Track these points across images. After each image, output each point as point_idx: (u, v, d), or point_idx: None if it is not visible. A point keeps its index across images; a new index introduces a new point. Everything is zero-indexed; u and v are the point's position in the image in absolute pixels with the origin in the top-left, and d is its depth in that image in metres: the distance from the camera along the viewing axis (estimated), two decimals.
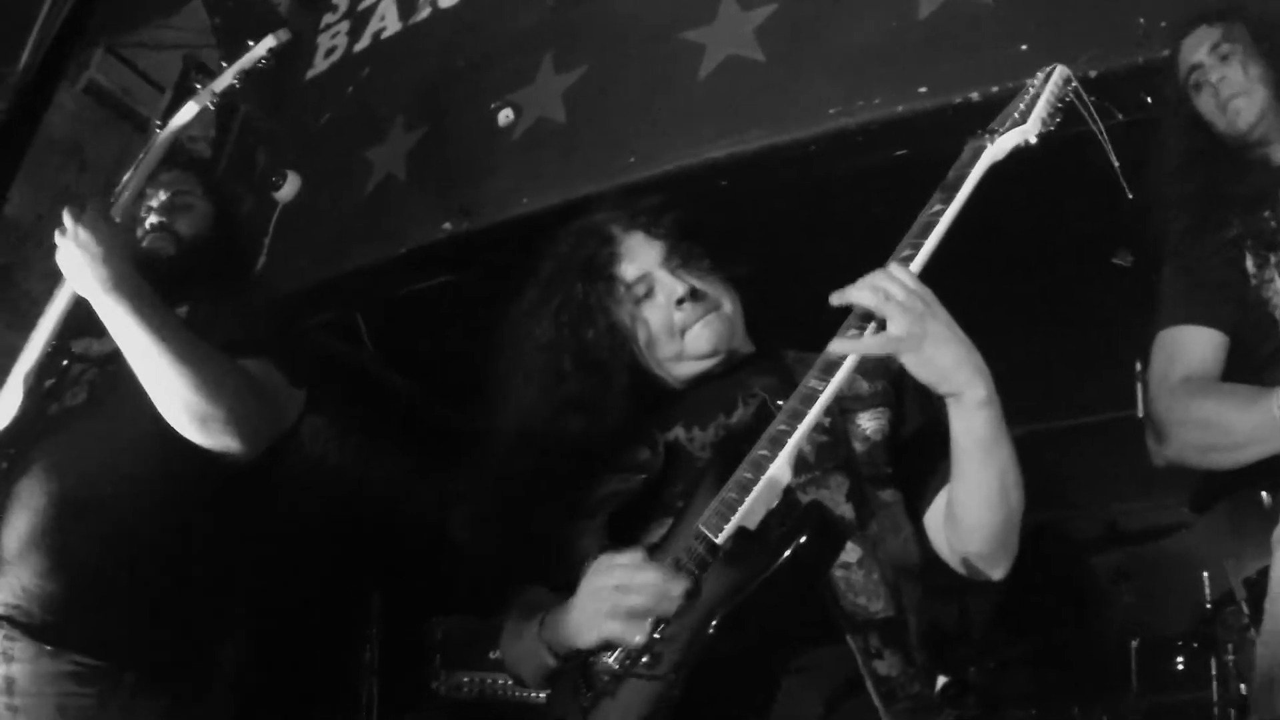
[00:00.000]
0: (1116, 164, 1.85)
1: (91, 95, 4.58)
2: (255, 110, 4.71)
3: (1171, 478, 2.59)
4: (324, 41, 4.72)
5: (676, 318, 1.96)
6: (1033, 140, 1.70)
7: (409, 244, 3.91)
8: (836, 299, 1.59)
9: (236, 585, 2.65)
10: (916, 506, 1.84)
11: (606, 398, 1.95)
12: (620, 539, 1.79)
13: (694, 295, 1.96)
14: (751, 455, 1.62)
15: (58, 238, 2.35)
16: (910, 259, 1.59)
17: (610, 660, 1.65)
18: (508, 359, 2.07)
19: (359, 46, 4.56)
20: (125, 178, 2.60)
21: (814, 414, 1.59)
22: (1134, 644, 4.36)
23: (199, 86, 2.73)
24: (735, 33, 3.40)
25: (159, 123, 2.70)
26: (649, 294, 1.99)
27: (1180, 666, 4.13)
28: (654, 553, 1.68)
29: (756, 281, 2.10)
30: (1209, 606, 4.12)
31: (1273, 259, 2.27)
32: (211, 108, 2.71)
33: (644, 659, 1.61)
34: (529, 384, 2.01)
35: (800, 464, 1.71)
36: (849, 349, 1.58)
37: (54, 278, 2.46)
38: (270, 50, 2.71)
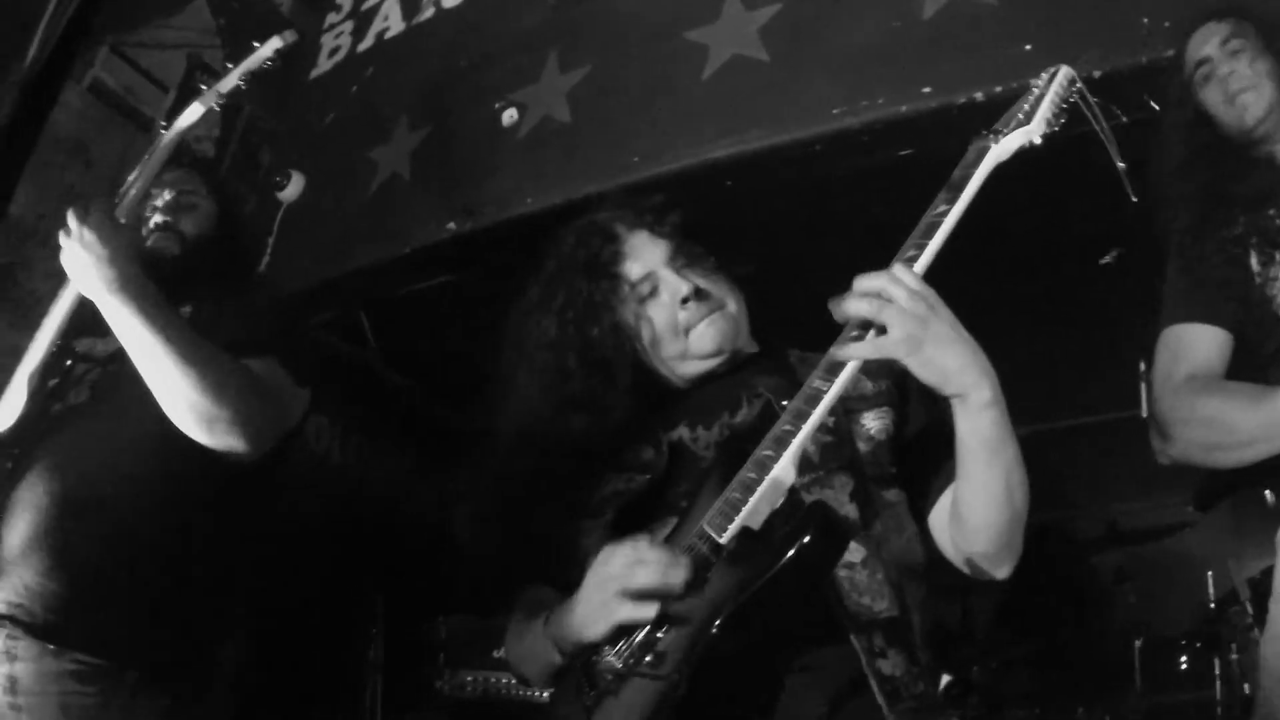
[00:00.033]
0: (1121, 165, 1.84)
1: (95, 94, 4.58)
2: (259, 110, 4.72)
3: (1174, 477, 2.59)
4: (328, 41, 4.72)
5: (681, 317, 1.96)
6: (1037, 141, 1.70)
7: (413, 243, 3.92)
8: (835, 312, 1.59)
9: (237, 585, 2.65)
10: (920, 506, 1.84)
11: (610, 397, 1.95)
12: (624, 538, 1.80)
13: (698, 294, 1.96)
14: (756, 455, 1.62)
15: (62, 239, 2.35)
16: (915, 259, 1.59)
17: (614, 659, 1.65)
18: (511, 357, 2.07)
19: (363, 46, 4.56)
20: (130, 178, 2.61)
21: (818, 414, 1.59)
22: (1137, 644, 4.36)
23: (204, 87, 2.74)
24: (739, 32, 3.40)
25: (164, 123, 2.71)
26: (653, 293, 1.99)
27: (1184, 666, 4.13)
28: None
29: (760, 281, 2.11)
30: (1212, 606, 4.12)
31: (1278, 256, 2.26)
32: (217, 109, 2.72)
33: (648, 658, 1.61)
34: (532, 382, 2.01)
35: (804, 464, 1.71)
36: (850, 354, 1.58)
37: (58, 277, 2.46)
38: (276, 51, 2.72)
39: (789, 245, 3.40)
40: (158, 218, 2.68)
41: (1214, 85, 2.41)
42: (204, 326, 2.43)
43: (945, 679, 1.81)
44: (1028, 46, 2.89)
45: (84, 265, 2.31)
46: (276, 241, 4.22)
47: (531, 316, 2.07)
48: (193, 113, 2.67)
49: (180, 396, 2.30)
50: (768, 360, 2.01)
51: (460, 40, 4.18)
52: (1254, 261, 2.27)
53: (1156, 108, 2.60)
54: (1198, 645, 4.06)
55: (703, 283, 1.98)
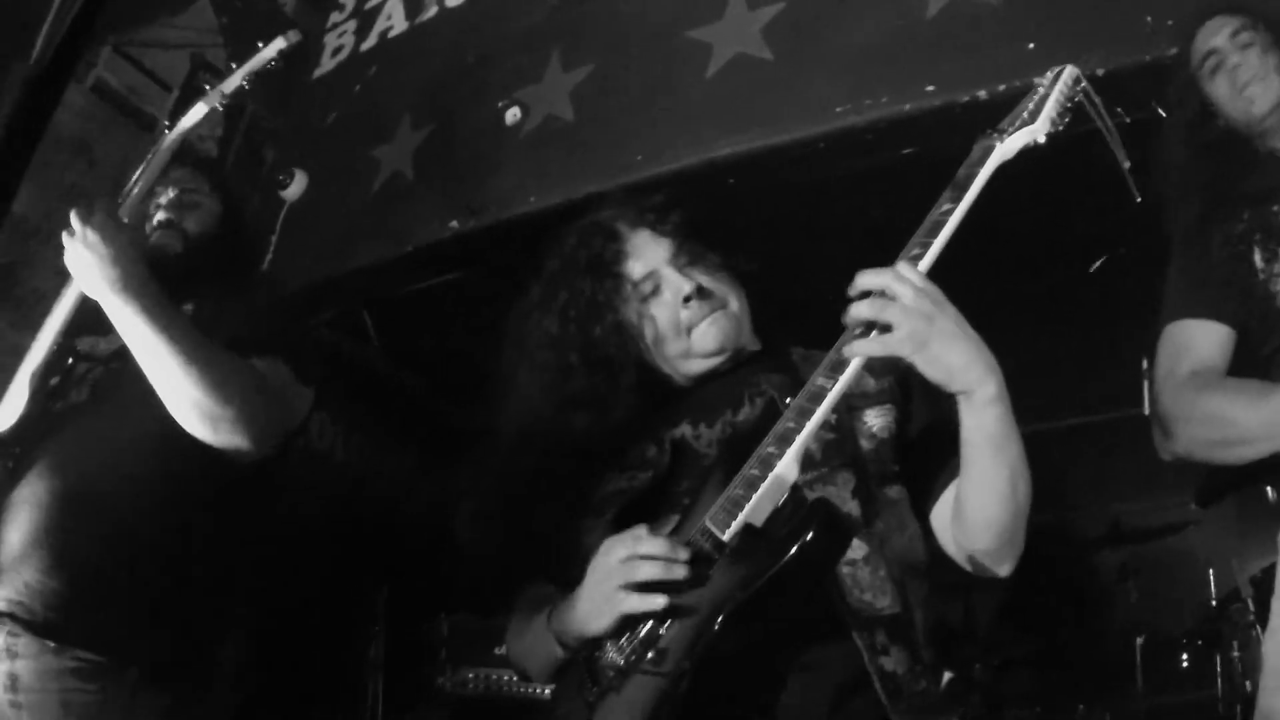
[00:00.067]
0: (1126, 165, 1.84)
1: (99, 94, 4.58)
2: (262, 109, 4.72)
3: (1177, 475, 2.59)
4: (331, 41, 4.72)
5: (683, 315, 1.96)
6: (1041, 140, 1.70)
7: (415, 242, 3.92)
8: (849, 320, 1.59)
9: (238, 584, 2.65)
10: (922, 503, 1.85)
11: (613, 395, 1.95)
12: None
13: (701, 293, 1.96)
14: (759, 452, 1.63)
15: (65, 239, 2.35)
16: (919, 258, 1.60)
17: (616, 655, 1.66)
18: (513, 356, 2.08)
19: (366, 45, 4.56)
20: (134, 177, 2.61)
21: (822, 412, 1.60)
22: (1139, 642, 4.37)
23: (207, 87, 2.74)
24: (743, 31, 3.41)
25: (167, 123, 2.71)
26: (656, 291, 1.99)
27: (1185, 664, 4.13)
28: None
29: (763, 279, 2.11)
30: (1214, 604, 4.13)
31: None
32: (220, 109, 2.72)
33: (650, 654, 1.62)
34: (534, 381, 2.01)
35: (806, 461, 1.71)
36: (856, 352, 1.58)
37: (61, 276, 2.46)
38: (280, 52, 2.72)
39: (792, 244, 3.39)
40: (161, 215, 2.69)
41: (1222, 76, 2.41)
42: (206, 324, 2.43)
43: (947, 676, 1.80)
44: (1031, 45, 2.89)
45: (87, 265, 2.32)
46: (279, 240, 4.22)
47: (533, 316, 2.07)
48: (196, 112, 2.67)
49: (184, 395, 2.30)
50: (770, 358, 2.01)
51: (463, 39, 4.18)
52: (1258, 258, 2.27)
53: (1160, 100, 2.59)
54: (1199, 643, 4.07)
55: (705, 281, 1.98)
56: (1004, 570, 1.76)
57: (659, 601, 1.60)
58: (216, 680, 2.54)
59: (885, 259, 1.61)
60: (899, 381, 1.90)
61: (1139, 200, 1.95)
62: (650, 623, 1.64)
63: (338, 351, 4.48)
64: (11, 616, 2.32)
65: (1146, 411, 2.46)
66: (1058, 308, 4.31)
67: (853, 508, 1.77)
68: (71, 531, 2.37)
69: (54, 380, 2.56)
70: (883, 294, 1.55)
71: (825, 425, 1.70)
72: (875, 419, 1.87)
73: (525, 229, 3.61)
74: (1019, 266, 3.90)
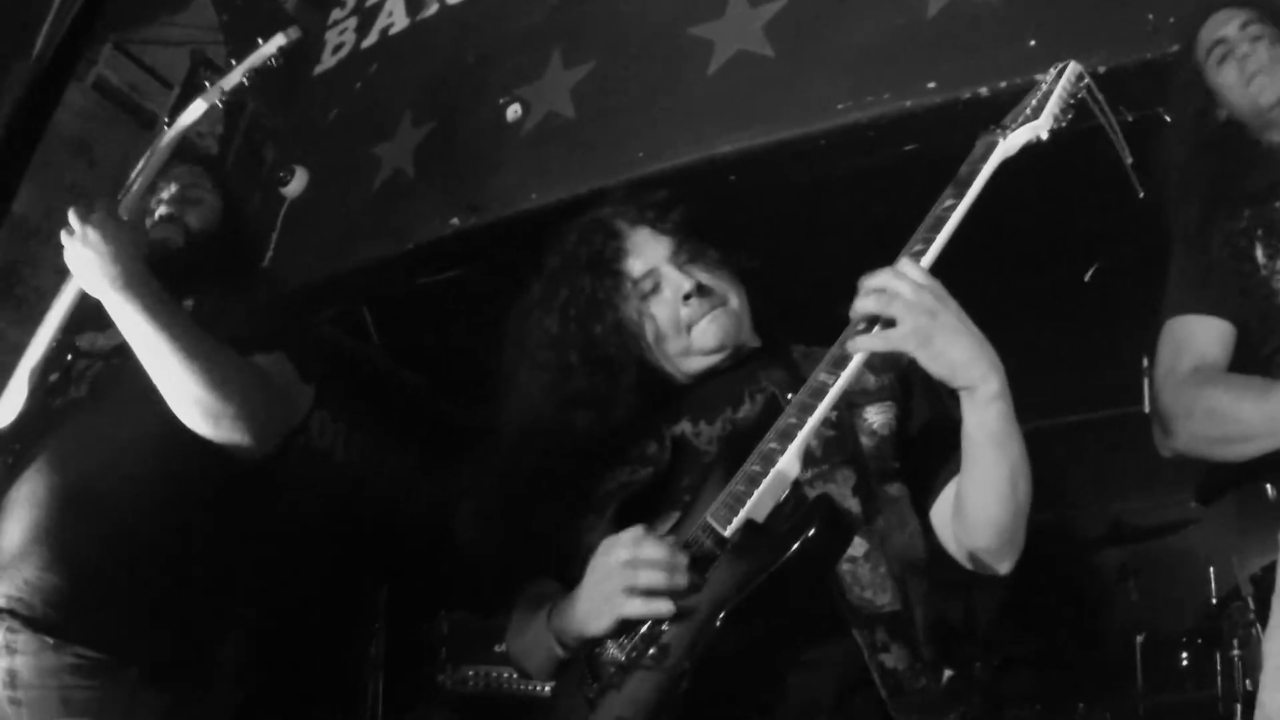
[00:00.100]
0: (1129, 160, 1.85)
1: (99, 91, 4.58)
2: (263, 107, 4.72)
3: (1178, 474, 2.58)
4: (332, 38, 4.72)
5: (683, 313, 1.96)
6: (1044, 136, 1.70)
7: (416, 240, 3.92)
8: (854, 315, 1.59)
9: (238, 584, 2.65)
10: (923, 501, 1.85)
11: (613, 393, 1.95)
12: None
13: (701, 290, 1.95)
14: (760, 448, 1.63)
15: (64, 238, 2.35)
16: (922, 254, 1.60)
17: (617, 652, 1.66)
18: (514, 355, 2.07)
19: (367, 43, 4.56)
20: (133, 174, 2.61)
21: (823, 408, 1.59)
22: (1139, 640, 4.36)
23: (207, 84, 2.74)
24: (744, 28, 3.40)
25: (166, 119, 2.71)
26: (656, 289, 1.99)
27: (1185, 663, 4.13)
28: None
29: (765, 277, 2.11)
30: (1214, 603, 4.12)
31: None
32: (220, 105, 2.72)
33: (651, 651, 1.62)
34: (535, 380, 2.01)
35: (807, 458, 1.70)
36: (859, 347, 1.58)
37: (61, 275, 2.46)
38: (280, 49, 2.71)
39: (793, 241, 3.39)
40: (163, 209, 2.69)
41: (1231, 65, 2.39)
42: (207, 321, 2.43)
43: (948, 674, 1.80)
44: (1032, 42, 2.89)
45: (88, 263, 2.32)
46: (280, 238, 4.22)
47: (534, 314, 2.06)
48: (195, 109, 2.67)
49: (186, 392, 2.30)
50: (771, 355, 2.01)
51: (464, 36, 4.18)
52: (1259, 255, 2.26)
53: (1164, 94, 2.58)
54: (1199, 642, 4.07)
55: (705, 279, 1.98)
56: (1004, 568, 1.76)
57: (662, 608, 1.60)
58: (217, 680, 2.54)
59: (887, 256, 1.61)
60: (899, 378, 1.90)
61: (1141, 195, 1.95)
62: (651, 620, 1.64)
63: (339, 350, 4.48)
64: (11, 613, 2.32)
65: (1147, 409, 2.45)
66: (1059, 305, 4.31)
67: (853, 505, 1.77)
68: (71, 529, 2.36)
69: (53, 377, 2.56)
70: (884, 291, 1.55)
71: (825, 422, 1.70)
72: (876, 416, 1.87)
73: (526, 226, 3.61)
74: (1021, 263, 3.90)
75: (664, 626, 1.61)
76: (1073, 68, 1.76)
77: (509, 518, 2.00)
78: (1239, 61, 2.38)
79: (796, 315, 2.01)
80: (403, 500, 5.06)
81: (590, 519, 1.90)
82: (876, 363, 1.83)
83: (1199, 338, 2.30)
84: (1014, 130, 1.70)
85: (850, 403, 1.85)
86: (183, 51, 4.79)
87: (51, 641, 2.29)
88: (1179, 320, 2.34)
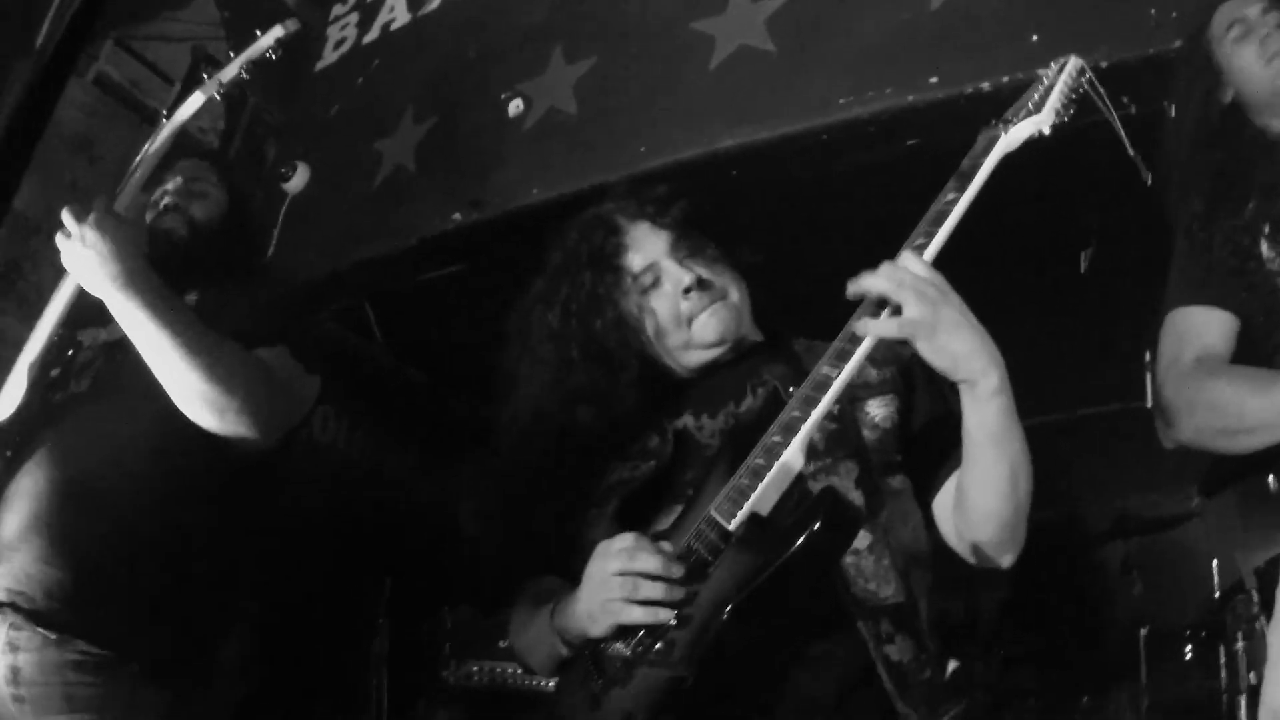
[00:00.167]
0: (1131, 152, 1.84)
1: (100, 87, 4.58)
2: (264, 102, 4.72)
3: (1181, 468, 2.58)
4: (333, 33, 4.72)
5: (683, 307, 1.96)
6: (1046, 131, 1.70)
7: (418, 235, 3.92)
8: (852, 288, 1.59)
9: (241, 579, 2.65)
10: (925, 494, 1.85)
11: (615, 388, 1.96)
12: (631, 527, 1.80)
13: (701, 284, 1.96)
14: (764, 442, 1.63)
15: (60, 240, 2.35)
16: (924, 247, 1.60)
17: (622, 648, 1.66)
18: (516, 350, 2.08)
19: (368, 38, 4.56)
20: (132, 167, 2.61)
21: (827, 400, 1.59)
22: (1143, 633, 4.36)
23: (206, 76, 2.74)
24: (746, 23, 3.40)
25: (165, 113, 2.71)
26: (656, 284, 1.99)
27: (1189, 656, 4.12)
28: (664, 539, 1.69)
29: (767, 271, 2.11)
30: (1218, 596, 4.12)
31: None
32: (218, 97, 2.72)
33: (657, 646, 1.62)
34: (537, 376, 2.02)
35: (810, 452, 1.70)
36: (867, 330, 1.58)
37: (62, 270, 2.46)
38: (278, 40, 2.71)
39: (795, 236, 3.39)
40: (168, 200, 2.70)
41: (1250, 44, 2.34)
42: (210, 315, 2.43)
43: (952, 666, 1.81)
44: (1034, 37, 2.89)
45: (87, 263, 2.31)
46: (282, 233, 4.22)
47: (535, 310, 2.07)
48: (194, 101, 2.67)
49: (190, 387, 2.30)
50: (773, 349, 2.02)
51: (466, 32, 4.17)
52: (1265, 249, 2.24)
53: (1169, 85, 2.56)
54: (1203, 635, 4.06)
55: (705, 273, 1.98)
56: (1006, 561, 1.76)
57: (661, 617, 1.61)
58: (218, 676, 2.54)
59: (889, 250, 1.61)
60: (902, 372, 1.90)
61: (1149, 183, 1.95)
62: None
63: (341, 345, 4.48)
64: (13, 607, 2.32)
65: (1149, 404, 2.44)
66: (1061, 299, 4.30)
67: (857, 498, 1.77)
68: (71, 523, 2.37)
69: (55, 371, 2.56)
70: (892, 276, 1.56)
71: (828, 416, 1.70)
72: (878, 409, 1.87)
73: (528, 222, 3.61)
74: (1023, 258, 3.89)
75: (673, 621, 1.62)
76: (1074, 62, 1.76)
77: (510, 516, 2.00)
78: (1260, 42, 2.34)
79: (798, 310, 2.00)
80: (405, 496, 5.06)
81: (592, 514, 1.91)
82: (878, 355, 1.83)
83: (1202, 329, 2.29)
84: (1016, 124, 1.69)
85: (853, 396, 1.85)
86: (184, 47, 4.79)
87: (54, 637, 2.29)
88: (1181, 312, 2.32)
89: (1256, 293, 2.26)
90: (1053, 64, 1.77)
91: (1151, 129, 2.48)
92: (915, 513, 1.85)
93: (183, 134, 2.69)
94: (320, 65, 4.68)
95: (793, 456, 1.60)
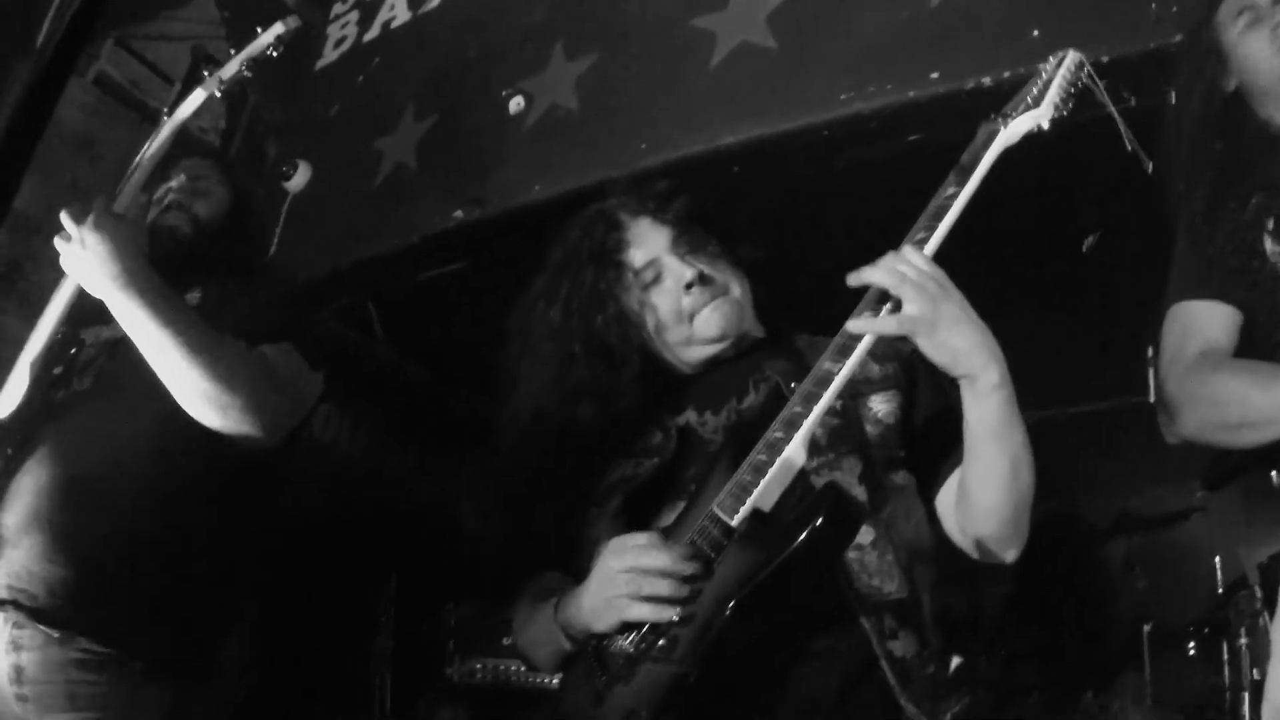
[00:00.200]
0: (1130, 145, 1.84)
1: (101, 87, 4.58)
2: (265, 101, 4.72)
3: (1184, 464, 2.57)
4: (334, 31, 4.72)
5: (685, 302, 1.96)
6: (1045, 125, 1.70)
7: (420, 233, 3.92)
8: (854, 279, 1.60)
9: (242, 578, 2.65)
10: (928, 489, 1.85)
11: (617, 384, 1.96)
12: (634, 524, 1.80)
13: (702, 280, 1.96)
14: (766, 437, 1.63)
15: (59, 243, 2.35)
16: (924, 242, 1.60)
17: (626, 645, 1.66)
18: (518, 347, 2.08)
19: (369, 36, 4.55)
20: (132, 166, 2.61)
21: (829, 396, 1.60)
22: (1146, 629, 4.36)
23: (206, 74, 2.73)
24: (747, 20, 3.39)
25: (167, 110, 2.71)
26: (657, 279, 2.00)
27: (1192, 652, 4.13)
28: (667, 535, 1.69)
29: (768, 267, 2.11)
30: (1221, 592, 4.12)
31: None
32: (219, 95, 2.71)
33: (660, 642, 1.62)
34: (539, 372, 2.02)
35: (813, 448, 1.71)
36: (866, 328, 1.58)
37: (64, 270, 2.46)
38: (278, 38, 2.71)
39: (797, 231, 3.39)
40: (172, 197, 2.70)
41: (1260, 32, 2.29)
42: (212, 313, 2.43)
43: (955, 661, 1.81)
44: (1035, 32, 2.88)
45: (86, 265, 2.31)
46: (283, 232, 4.22)
47: (537, 307, 2.07)
48: (195, 99, 2.67)
49: (193, 385, 2.29)
50: (775, 345, 2.02)
51: (466, 29, 4.17)
52: (1268, 244, 2.23)
53: (1173, 73, 2.54)
54: (1206, 631, 4.06)
55: (706, 268, 1.98)
56: (1009, 556, 1.76)
57: (668, 614, 1.60)
58: (219, 676, 2.54)
59: (890, 246, 1.61)
60: (904, 367, 1.90)
61: (1150, 170, 1.94)
62: None
63: (343, 344, 4.48)
64: (15, 604, 2.32)
65: (1152, 399, 2.44)
66: (1063, 294, 4.30)
67: (860, 493, 1.77)
68: (73, 521, 2.36)
69: (58, 369, 2.56)
70: (894, 270, 1.56)
71: (830, 411, 1.70)
72: (880, 404, 1.87)
73: (530, 219, 3.60)
74: (1024, 252, 3.88)
75: (676, 617, 1.61)
76: (1073, 56, 1.76)
77: (511, 516, 2.00)
78: (1272, 30, 2.31)
79: (800, 305, 2.00)
80: (406, 495, 5.06)
81: (594, 512, 1.91)
82: (880, 350, 1.83)
83: (1205, 324, 2.27)
84: (1015, 118, 1.70)
85: (855, 391, 1.85)
86: (184, 47, 4.79)
87: (57, 635, 2.29)
88: (1183, 306, 2.31)
89: (1260, 289, 2.25)
90: (1051, 58, 1.77)
91: (1152, 123, 2.47)
92: (918, 508, 1.85)
93: (184, 133, 2.69)
94: (321, 64, 4.68)
95: (795, 452, 1.60)
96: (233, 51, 2.76)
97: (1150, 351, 2.49)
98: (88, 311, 2.50)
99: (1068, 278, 4.11)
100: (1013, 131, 1.69)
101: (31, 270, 4.08)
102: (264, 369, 2.39)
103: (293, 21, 2.72)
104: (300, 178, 4.25)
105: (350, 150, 4.28)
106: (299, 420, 2.55)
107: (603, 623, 1.68)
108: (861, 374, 1.82)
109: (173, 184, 2.71)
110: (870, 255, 1.60)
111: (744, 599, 1.56)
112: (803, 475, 1.64)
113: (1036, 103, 1.70)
